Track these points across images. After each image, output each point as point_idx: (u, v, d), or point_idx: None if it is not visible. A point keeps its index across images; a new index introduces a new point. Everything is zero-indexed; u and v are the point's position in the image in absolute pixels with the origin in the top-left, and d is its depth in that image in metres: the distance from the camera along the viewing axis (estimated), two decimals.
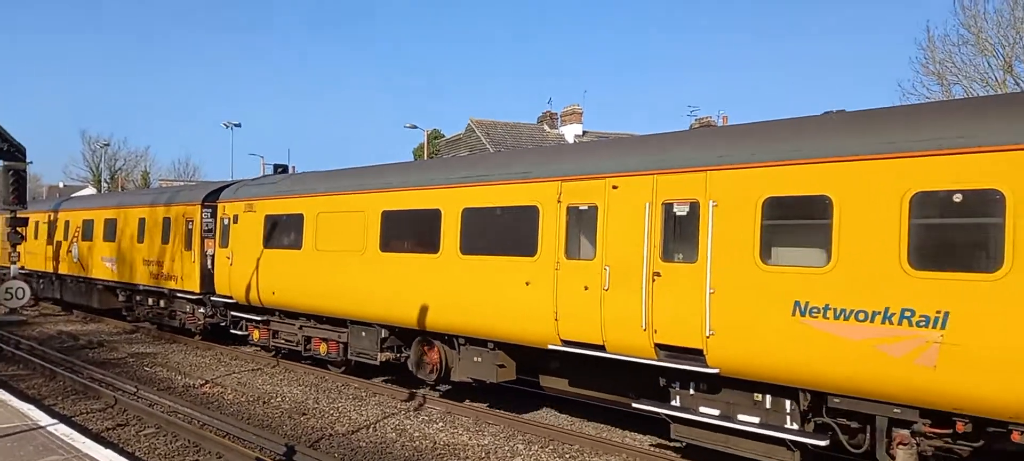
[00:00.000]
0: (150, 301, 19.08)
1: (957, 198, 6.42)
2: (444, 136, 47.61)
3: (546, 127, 44.96)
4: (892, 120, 7.23)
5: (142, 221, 19.29)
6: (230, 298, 15.63)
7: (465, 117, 41.77)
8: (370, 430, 10.35)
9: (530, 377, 11.10)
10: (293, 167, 36.50)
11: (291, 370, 14.59)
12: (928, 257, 6.54)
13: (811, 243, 7.39)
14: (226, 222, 15.95)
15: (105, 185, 62.70)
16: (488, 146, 40.28)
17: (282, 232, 14.36)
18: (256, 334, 15.39)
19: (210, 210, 16.90)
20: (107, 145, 64.39)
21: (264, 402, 12.07)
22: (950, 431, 6.67)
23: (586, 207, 9.18)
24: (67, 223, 23.69)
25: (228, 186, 17.12)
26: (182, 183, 50.24)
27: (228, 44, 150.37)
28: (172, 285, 17.70)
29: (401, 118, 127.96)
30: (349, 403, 11.95)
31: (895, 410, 6.89)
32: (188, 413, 10.91)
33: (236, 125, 53.99)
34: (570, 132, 44.85)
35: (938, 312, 6.42)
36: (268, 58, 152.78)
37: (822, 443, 7.37)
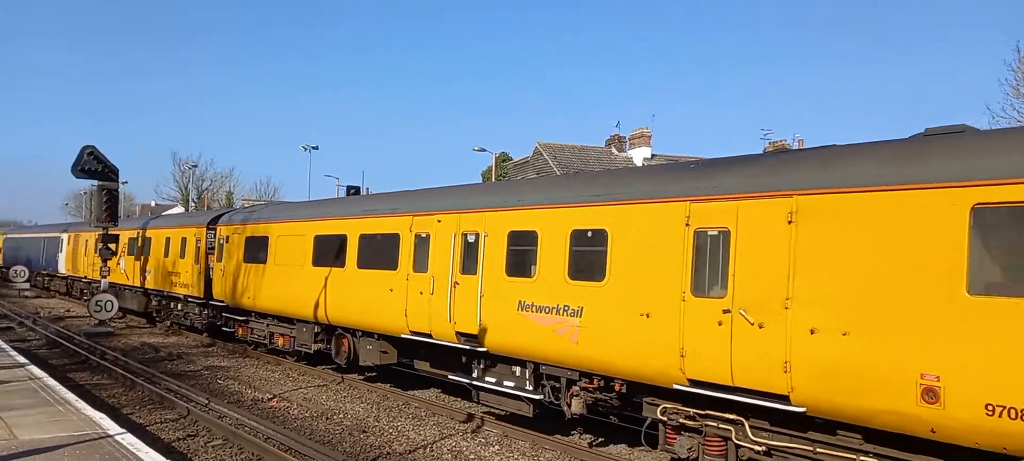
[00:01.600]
0: (171, 304, 23.37)
1: (589, 234, 9.89)
2: (512, 159, 47.97)
3: (614, 150, 44.70)
4: (562, 182, 12.40)
5: (168, 240, 23.69)
6: (223, 302, 19.48)
7: (534, 140, 42.12)
8: (427, 451, 10.43)
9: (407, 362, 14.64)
10: (367, 188, 37.56)
11: (355, 387, 14.89)
12: (576, 271, 9.97)
13: (527, 262, 10.77)
14: (221, 241, 19.82)
15: (192, 204, 65.98)
16: (555, 169, 40.33)
17: (256, 250, 18.04)
18: (240, 331, 19.22)
19: (213, 232, 20.55)
20: (195, 166, 67.86)
21: (327, 418, 12.33)
22: (609, 391, 9.83)
23: (424, 235, 12.75)
24: (129, 240, 27.59)
25: (226, 213, 21.37)
26: (264, 203, 52.42)
27: (308, 69, 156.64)
28: (185, 291, 21.89)
29: (472, 140, 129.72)
30: (408, 422, 12.09)
31: (569, 372, 10.19)
32: (254, 426, 11.25)
33: (314, 148, 56.03)
34: (639, 155, 44.43)
35: (579, 306, 9.78)
36: (346, 81, 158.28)
37: (536, 397, 10.73)
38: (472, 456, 10.19)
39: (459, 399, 13.92)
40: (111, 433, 7.69)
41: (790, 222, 7.57)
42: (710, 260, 8.35)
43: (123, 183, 39.16)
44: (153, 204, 72.06)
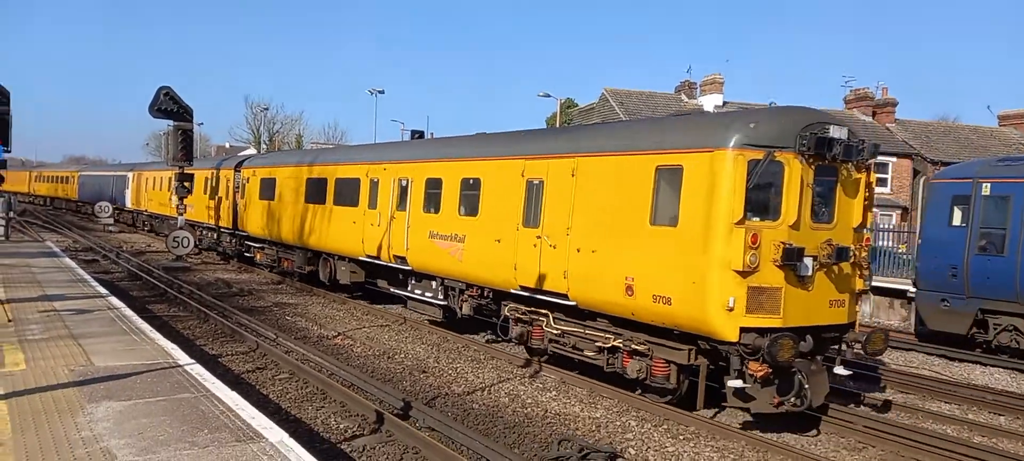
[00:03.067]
0: (211, 235, 27.37)
1: (471, 182, 13.02)
2: (577, 105, 47.17)
3: (684, 97, 43.33)
4: (457, 142, 15.06)
5: (207, 180, 27.50)
6: (246, 232, 23.71)
7: (602, 86, 41.14)
8: (484, 393, 10.48)
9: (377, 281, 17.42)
10: (432, 133, 37.64)
11: (416, 328, 15.10)
12: (462, 209, 13.20)
13: (436, 202, 13.96)
14: (244, 181, 23.86)
15: (264, 146, 67.81)
16: (621, 115, 39.46)
17: (267, 189, 22.04)
18: (259, 256, 23.09)
19: (239, 174, 24.52)
20: (266, 109, 69.63)
21: (388, 357, 12.55)
22: (484, 297, 13.01)
23: (375, 180, 16.23)
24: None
25: (249, 157, 25.60)
26: (334, 145, 53.43)
27: (378, 15, 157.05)
28: (221, 224, 25.89)
29: (541, 86, 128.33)
30: (467, 364, 12.18)
31: (460, 284, 13.33)
32: (318, 362, 11.55)
33: (380, 92, 56.37)
34: (710, 102, 42.95)
35: (464, 235, 12.96)
36: (412, 27, 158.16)
37: (442, 303, 14.04)
38: (529, 400, 10.19)
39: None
40: (181, 363, 7.97)
41: (573, 176, 10.64)
42: (533, 201, 11.49)
43: (199, 125, 40.78)
44: (228, 146, 74.40)
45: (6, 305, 10.55)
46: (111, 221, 40.06)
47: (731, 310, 8.46)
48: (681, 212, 9.08)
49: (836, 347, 9.58)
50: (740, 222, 8.46)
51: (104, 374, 7.29)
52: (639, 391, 10.30)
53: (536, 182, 11.40)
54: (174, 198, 27.08)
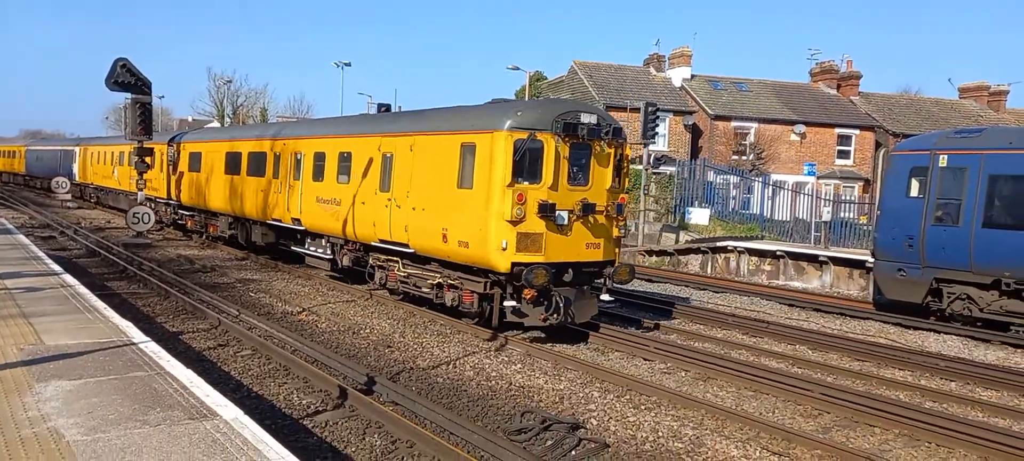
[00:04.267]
0: (165, 210, 28.06)
1: (346, 154, 15.51)
2: (547, 78, 46.95)
3: (652, 70, 43.40)
4: (336, 122, 18.02)
5: (168, 154, 28.53)
6: (176, 202, 25.93)
7: (570, 59, 40.90)
8: (449, 367, 10.49)
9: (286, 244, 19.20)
10: (399, 106, 37.23)
11: (382, 303, 15.02)
12: (339, 176, 15.63)
13: (322, 171, 16.47)
14: (176, 155, 25.94)
15: (228, 119, 66.40)
16: (591, 89, 39.38)
17: (195, 161, 24.37)
18: (189, 223, 25.27)
19: (173, 148, 26.25)
20: (230, 82, 67.90)
21: (354, 333, 12.47)
22: (358, 251, 15.51)
23: (277, 153, 18.62)
24: (120, 153, 33.46)
25: (180, 134, 27.53)
26: (297, 118, 52.50)
27: None
28: (157, 195, 27.26)
29: (509, 60, 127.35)
30: (433, 339, 12.16)
31: (341, 240, 15.83)
32: (282, 338, 11.44)
33: (346, 64, 55.53)
34: (678, 75, 43.12)
35: (340, 199, 15.43)
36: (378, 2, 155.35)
37: (329, 257, 16.70)
38: (494, 373, 10.22)
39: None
40: (136, 341, 7.80)
41: (411, 150, 13.36)
42: (386, 171, 14.08)
43: (159, 98, 40.16)
44: (190, 119, 72.70)
45: None
46: (69, 197, 39.00)
47: (505, 250, 11.29)
48: (475, 178, 11.85)
49: (600, 280, 12.34)
50: (510, 185, 11.27)
51: (55, 353, 7.12)
52: (466, 318, 13.15)
53: (388, 155, 14.14)
54: (133, 173, 26.98)
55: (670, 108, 38.53)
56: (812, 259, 21.77)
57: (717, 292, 19.08)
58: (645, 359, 11.44)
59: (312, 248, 17.44)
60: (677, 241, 27.67)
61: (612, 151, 12.13)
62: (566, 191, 11.64)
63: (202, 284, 16.14)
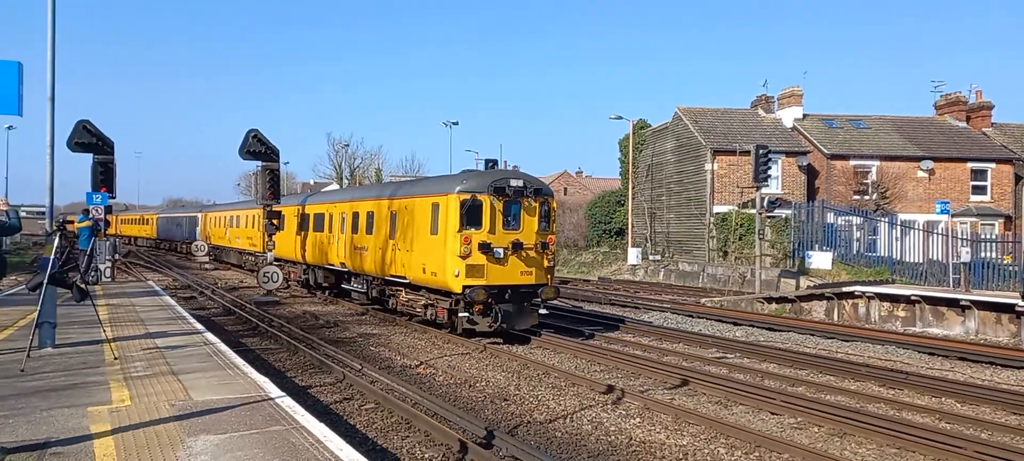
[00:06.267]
0: (254, 261, 33.96)
1: (371, 213, 20.57)
2: (650, 125, 46.62)
3: (761, 111, 42.22)
4: (370, 188, 26.81)
5: (253, 218, 34.80)
6: (280, 257, 29.08)
7: (673, 106, 40.33)
8: (567, 420, 10.38)
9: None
10: (505, 161, 38.02)
11: (496, 356, 15.15)
12: (366, 230, 20.78)
13: (359, 226, 21.29)
14: (277, 220, 29.11)
15: (346, 181, 70.05)
16: (697, 134, 38.76)
17: (275, 219, 26.53)
18: (293, 274, 28.75)
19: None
20: (347, 145, 72.00)
21: (470, 385, 12.61)
22: (382, 287, 20.20)
23: (331, 214, 24.01)
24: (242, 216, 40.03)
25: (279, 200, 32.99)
26: (412, 178, 54.64)
27: (452, 49, 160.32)
28: (291, 257, 29.54)
29: (611, 109, 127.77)
30: (548, 392, 12.11)
31: (372, 278, 20.63)
32: (403, 392, 11.72)
33: (454, 123, 57.52)
34: (789, 115, 41.75)
35: (366, 246, 20.66)
36: (485, 59, 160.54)
37: (363, 291, 21.61)
38: (612, 428, 10.02)
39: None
40: (272, 396, 8.24)
41: (406, 208, 18.06)
42: (393, 223, 18.71)
43: (285, 164, 43.63)
44: (312, 182, 77.24)
45: (112, 344, 11.22)
46: (207, 259, 42.14)
47: (458, 276, 15.86)
48: (439, 227, 16.42)
49: (536, 299, 16.61)
50: (460, 230, 15.90)
51: (202, 408, 7.63)
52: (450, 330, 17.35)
53: (394, 212, 18.79)
54: (241, 233, 36.66)
55: (782, 149, 37.23)
56: (952, 303, 20.13)
57: (846, 340, 17.95)
58: (772, 413, 10.88)
59: (355, 284, 22.06)
60: (798, 287, 26.38)
61: (537, 204, 16.66)
62: (501, 234, 16.20)
63: (326, 339, 16.87)
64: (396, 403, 10.87)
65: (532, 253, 16.37)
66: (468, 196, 15.99)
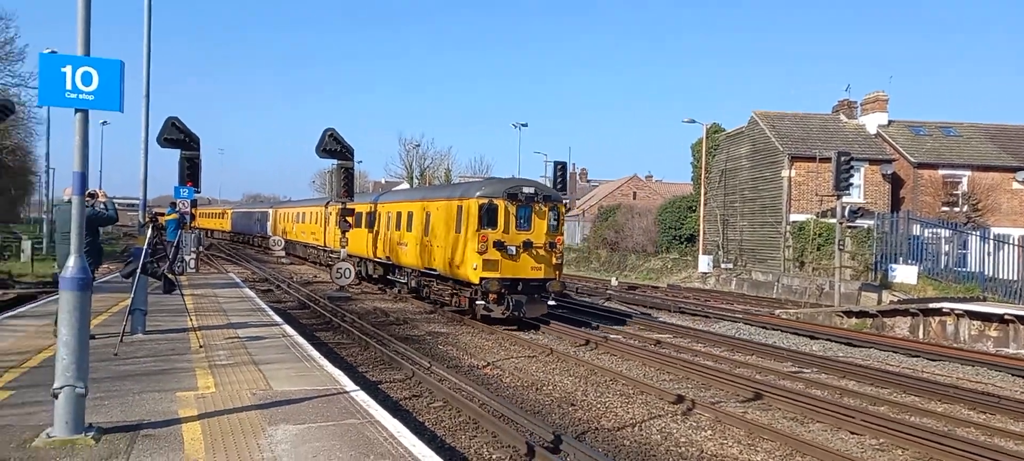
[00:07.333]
0: (328, 255, 34.78)
1: (408, 213, 23.83)
2: (725, 130, 45.56)
3: (843, 117, 40.69)
4: (409, 192, 32.35)
5: (317, 214, 38.30)
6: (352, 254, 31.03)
7: (746, 111, 39.19)
8: (635, 429, 10.24)
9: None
10: (573, 164, 37.92)
11: (563, 360, 15.10)
12: (406, 227, 23.60)
13: (401, 224, 24.31)
14: (347, 216, 30.12)
15: (416, 180, 71.30)
16: (774, 139, 37.67)
17: (358, 220, 29.01)
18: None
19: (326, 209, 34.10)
20: (417, 146, 73.28)
21: (537, 389, 12.61)
22: (425, 279, 22.85)
23: (378, 212, 27.25)
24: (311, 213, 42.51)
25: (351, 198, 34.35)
26: (481, 178, 55.20)
27: (521, 52, 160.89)
28: (334, 247, 30.68)
29: (680, 113, 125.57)
30: (616, 398, 11.98)
31: (413, 270, 23.40)
32: (470, 391, 11.80)
33: (523, 125, 57.68)
34: (873, 122, 40.11)
35: (407, 242, 23.52)
36: (553, 62, 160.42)
37: (404, 282, 24.58)
38: (683, 439, 9.82)
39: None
40: (347, 389, 8.45)
41: (437, 210, 20.70)
42: (428, 223, 21.27)
43: (358, 163, 45.18)
44: (383, 181, 78.91)
45: (198, 332, 11.72)
46: (283, 253, 43.61)
47: (476, 269, 18.11)
48: (462, 226, 18.84)
49: (545, 292, 18.69)
50: (478, 231, 18.16)
51: (281, 398, 7.89)
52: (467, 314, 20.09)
53: (428, 213, 21.49)
54: (306, 228, 39.90)
55: (865, 157, 35.76)
56: None
57: (932, 359, 17.08)
58: (852, 433, 10.43)
59: (399, 277, 24.96)
60: (879, 301, 25.26)
61: (547, 209, 18.86)
62: (515, 234, 18.50)
63: (396, 336, 17.18)
64: (464, 402, 10.96)
65: (541, 251, 18.58)
66: (486, 200, 18.37)
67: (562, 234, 19.57)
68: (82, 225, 6.71)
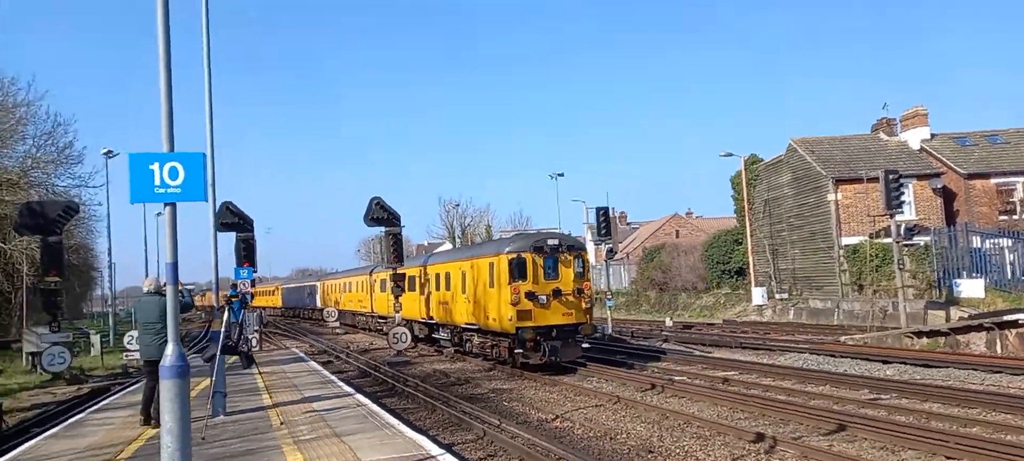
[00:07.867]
0: (376, 320, 37.91)
1: (448, 274, 25.62)
2: (762, 160, 45.19)
3: (883, 135, 40.09)
4: (448, 253, 33.27)
5: (361, 283, 41.36)
6: (383, 315, 34.70)
7: (783, 139, 38.84)
8: None
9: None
10: (612, 208, 38.03)
11: (631, 406, 14.92)
12: (446, 287, 25.87)
13: (441, 285, 26.50)
14: (398, 281, 31.02)
15: (458, 240, 71.95)
16: (815, 164, 37.26)
17: (408, 284, 29.17)
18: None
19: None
20: (457, 205, 74.15)
21: (610, 438, 12.47)
22: (458, 332, 25.43)
23: (419, 275, 29.02)
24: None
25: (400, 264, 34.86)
26: (517, 232, 55.54)
27: (553, 101, 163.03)
28: (388, 314, 32.87)
29: (714, 147, 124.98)
30: (694, 442, 11.78)
31: (451, 326, 25.60)
32: (545, 447, 11.70)
33: (559, 175, 58.03)
34: (915, 137, 39.44)
35: (449, 301, 25.64)
36: (588, 106, 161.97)
37: (448, 338, 26.62)
38: None
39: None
40: (432, 453, 8.52)
41: (472, 268, 22.50)
42: (465, 281, 23.02)
43: (402, 227, 46.10)
44: (426, 243, 79.80)
45: (276, 409, 11.96)
46: (337, 324, 44.21)
47: (511, 320, 19.38)
48: (494, 280, 20.28)
49: (578, 335, 19.93)
50: (510, 283, 19.59)
51: None
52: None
53: (464, 271, 23.10)
54: (352, 297, 42.28)
55: (912, 173, 35.06)
56: None
57: (1016, 374, 16.42)
58: (948, 458, 10.07)
59: (442, 334, 26.61)
60: (948, 318, 24.45)
61: (572, 257, 20.24)
62: (543, 283, 19.86)
63: (460, 396, 17.20)
64: (540, 459, 10.90)
65: (570, 298, 19.87)
66: (515, 255, 19.87)
67: (589, 280, 20.71)
68: (177, 314, 6.99)
